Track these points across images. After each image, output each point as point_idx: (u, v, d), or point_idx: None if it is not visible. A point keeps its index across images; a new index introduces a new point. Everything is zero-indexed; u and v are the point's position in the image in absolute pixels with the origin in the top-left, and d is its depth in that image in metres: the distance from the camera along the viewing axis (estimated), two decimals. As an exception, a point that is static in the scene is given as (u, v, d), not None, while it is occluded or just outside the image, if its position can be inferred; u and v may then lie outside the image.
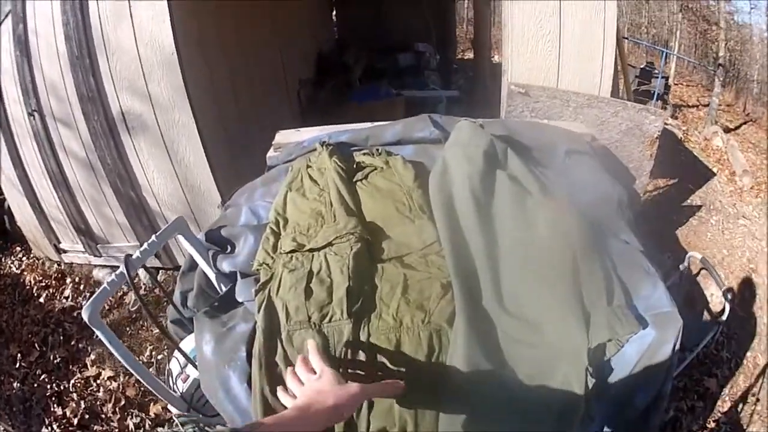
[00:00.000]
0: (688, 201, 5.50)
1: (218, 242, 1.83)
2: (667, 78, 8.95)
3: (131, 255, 1.68)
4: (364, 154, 1.94)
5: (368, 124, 2.26)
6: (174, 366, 1.84)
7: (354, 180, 1.77)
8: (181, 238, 1.78)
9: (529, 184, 1.64)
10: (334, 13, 9.59)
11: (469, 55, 10.31)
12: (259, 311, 1.40)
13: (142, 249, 1.70)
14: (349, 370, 1.26)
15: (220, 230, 1.84)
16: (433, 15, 8.46)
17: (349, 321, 1.31)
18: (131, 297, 4.12)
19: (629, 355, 1.32)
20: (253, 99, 4.87)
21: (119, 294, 4.28)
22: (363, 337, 1.30)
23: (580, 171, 1.93)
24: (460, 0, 13.29)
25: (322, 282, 1.39)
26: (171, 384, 1.82)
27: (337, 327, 1.31)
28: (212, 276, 1.79)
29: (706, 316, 3.22)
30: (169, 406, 1.78)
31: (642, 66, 8.94)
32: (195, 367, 1.66)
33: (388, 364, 1.26)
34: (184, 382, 1.77)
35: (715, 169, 6.39)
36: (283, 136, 2.46)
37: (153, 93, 3.32)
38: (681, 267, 3.04)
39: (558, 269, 1.42)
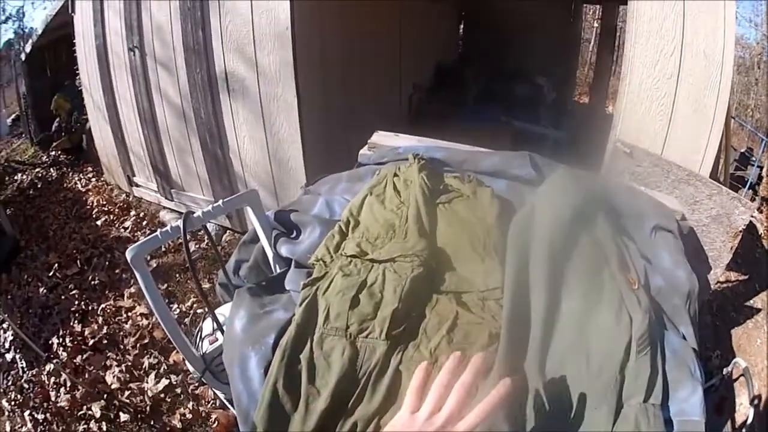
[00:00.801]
0: (752, 302, 5.21)
1: (286, 224, 1.82)
2: (761, 168, 8.52)
3: (193, 212, 1.69)
4: (455, 177, 1.88)
5: (468, 147, 2.20)
6: (207, 326, 1.85)
7: (437, 201, 1.72)
8: (249, 210, 1.78)
9: (610, 253, 1.55)
10: (461, 27, 9.59)
11: (585, 99, 10.10)
12: (300, 305, 1.38)
13: (205, 210, 1.70)
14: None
15: (291, 214, 1.82)
16: (558, 52, 8.35)
17: (385, 342, 1.27)
18: (192, 247, 4.20)
19: None
20: (362, 92, 4.88)
21: (179, 240, 4.33)
22: (394, 363, 1.26)
23: (661, 250, 1.82)
24: (585, 42, 13.04)
25: (372, 296, 1.36)
26: (197, 341, 1.83)
27: (372, 344, 1.28)
28: (270, 255, 1.78)
29: (728, 425, 3.07)
30: (186, 362, 1.79)
31: (742, 150, 8.55)
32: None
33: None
34: (210, 344, 1.79)
35: (785, 273, 6.03)
36: (380, 137, 2.43)
37: (260, 62, 3.37)
38: (725, 371, 2.89)
39: (610, 352, 1.34)
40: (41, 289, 4.20)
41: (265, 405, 1.20)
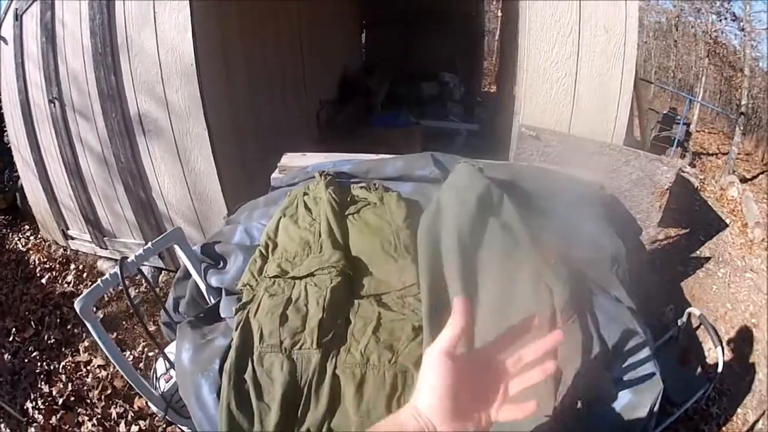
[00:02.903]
0: (698, 252, 5.43)
1: (212, 256, 1.88)
2: (688, 125, 8.89)
3: (126, 258, 1.74)
4: (362, 187, 1.97)
5: (374, 156, 2.28)
6: (160, 366, 1.90)
7: (346, 213, 1.80)
8: (177, 247, 1.83)
9: (519, 235, 1.63)
10: (363, 35, 9.64)
11: (494, 88, 10.31)
12: (236, 329, 1.44)
13: (137, 254, 1.77)
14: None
15: (215, 245, 1.88)
16: (462, 46, 8.50)
17: (318, 351, 1.35)
18: (132, 292, 4.16)
19: (606, 415, 1.34)
20: (271, 115, 4.92)
21: (120, 288, 4.29)
22: (330, 369, 1.34)
23: (580, 222, 1.92)
24: (491, 33, 13.30)
25: (298, 310, 1.44)
26: (154, 382, 1.88)
27: (306, 355, 1.35)
28: (203, 287, 1.84)
29: (699, 371, 3.19)
30: (149, 403, 1.83)
31: (665, 112, 8.90)
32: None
33: (348, 398, 1.29)
34: (166, 382, 1.84)
35: (728, 220, 6.28)
36: (288, 159, 2.51)
37: (170, 100, 3.38)
38: (679, 322, 3.01)
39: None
40: (6, 356, 4.09)
41: (224, 426, 1.28)
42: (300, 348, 1.36)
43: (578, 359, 1.36)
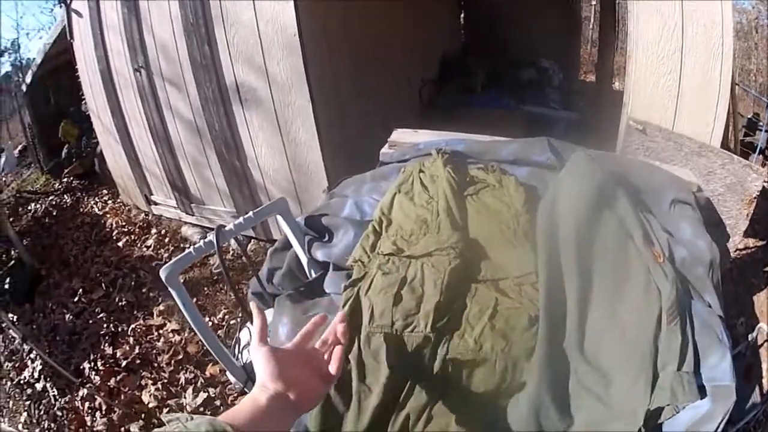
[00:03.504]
0: (772, 266, 5.20)
1: (317, 229, 1.86)
2: (770, 131, 8.46)
3: (224, 226, 1.73)
4: (479, 168, 1.92)
5: (486, 137, 2.23)
6: (244, 336, 1.89)
7: (465, 194, 1.75)
8: (280, 218, 1.82)
9: (633, 229, 1.59)
10: (462, 16, 9.53)
11: (591, 77, 10.05)
12: (344, 306, 1.41)
13: (236, 222, 1.75)
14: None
15: (321, 218, 1.86)
16: (561, 33, 8.32)
17: (431, 334, 1.30)
18: (216, 259, 4.20)
19: (680, 422, 1.27)
20: (374, 91, 4.89)
21: (205, 254, 4.35)
22: (441, 354, 1.30)
23: (681, 222, 1.85)
24: (585, 21, 12.99)
25: (413, 291, 1.39)
26: (236, 352, 1.87)
27: (418, 338, 1.31)
28: (304, 260, 1.81)
29: (756, 391, 3.06)
30: (228, 373, 1.83)
31: (749, 116, 8.49)
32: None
33: (456, 386, 1.28)
34: (249, 354, 1.81)
35: (805, 235, 5.99)
36: (399, 135, 2.45)
37: (271, 71, 3.40)
38: (750, 337, 2.89)
39: (642, 325, 1.38)
40: (67, 316, 4.18)
41: (318, 407, 1.25)
42: (412, 330, 1.32)
43: (675, 363, 1.32)
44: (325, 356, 1.04)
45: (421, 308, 1.35)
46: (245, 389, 1.79)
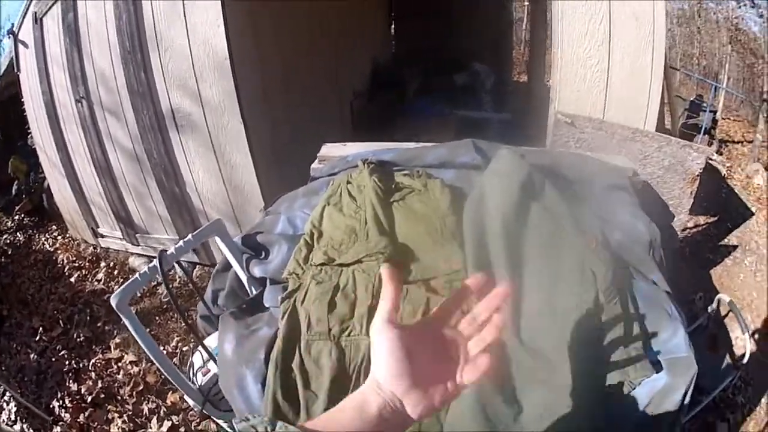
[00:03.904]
0: (726, 240, 5.36)
1: (253, 247, 1.88)
2: (715, 112, 8.72)
3: (166, 251, 1.74)
4: (405, 174, 1.95)
5: (413, 144, 2.27)
6: (197, 359, 1.89)
7: (391, 200, 1.79)
8: (218, 239, 1.83)
9: (563, 219, 1.64)
10: (392, 26, 9.65)
11: (524, 78, 10.25)
12: (282, 318, 1.44)
13: (177, 246, 1.76)
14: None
15: (257, 236, 1.89)
16: (491, 36, 8.47)
17: (366, 337, 1.33)
18: (164, 288, 4.19)
19: (639, 397, 1.32)
20: (305, 107, 4.91)
21: (153, 283, 4.37)
22: None
23: (617, 207, 1.91)
24: (519, 22, 13.22)
25: (346, 297, 1.43)
26: (191, 376, 1.87)
27: (355, 342, 1.35)
28: (244, 278, 1.83)
29: (728, 359, 3.15)
30: (186, 397, 1.82)
31: (692, 99, 8.76)
32: (216, 363, 1.72)
33: None
34: (203, 376, 1.82)
35: (754, 208, 6.19)
36: (328, 149, 2.50)
37: (204, 94, 3.40)
38: (709, 309, 2.97)
39: (581, 308, 1.42)
40: (32, 355, 4.14)
41: (269, 416, 1.25)
42: (349, 335, 1.36)
43: (622, 341, 1.36)
44: (469, 344, 0.78)
45: (355, 312, 1.40)
46: (204, 411, 1.78)
